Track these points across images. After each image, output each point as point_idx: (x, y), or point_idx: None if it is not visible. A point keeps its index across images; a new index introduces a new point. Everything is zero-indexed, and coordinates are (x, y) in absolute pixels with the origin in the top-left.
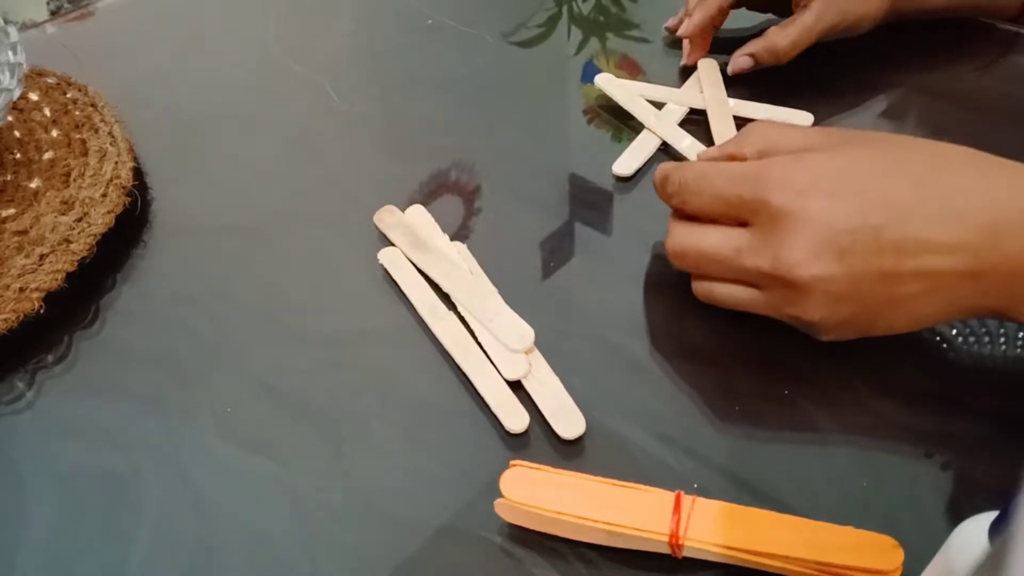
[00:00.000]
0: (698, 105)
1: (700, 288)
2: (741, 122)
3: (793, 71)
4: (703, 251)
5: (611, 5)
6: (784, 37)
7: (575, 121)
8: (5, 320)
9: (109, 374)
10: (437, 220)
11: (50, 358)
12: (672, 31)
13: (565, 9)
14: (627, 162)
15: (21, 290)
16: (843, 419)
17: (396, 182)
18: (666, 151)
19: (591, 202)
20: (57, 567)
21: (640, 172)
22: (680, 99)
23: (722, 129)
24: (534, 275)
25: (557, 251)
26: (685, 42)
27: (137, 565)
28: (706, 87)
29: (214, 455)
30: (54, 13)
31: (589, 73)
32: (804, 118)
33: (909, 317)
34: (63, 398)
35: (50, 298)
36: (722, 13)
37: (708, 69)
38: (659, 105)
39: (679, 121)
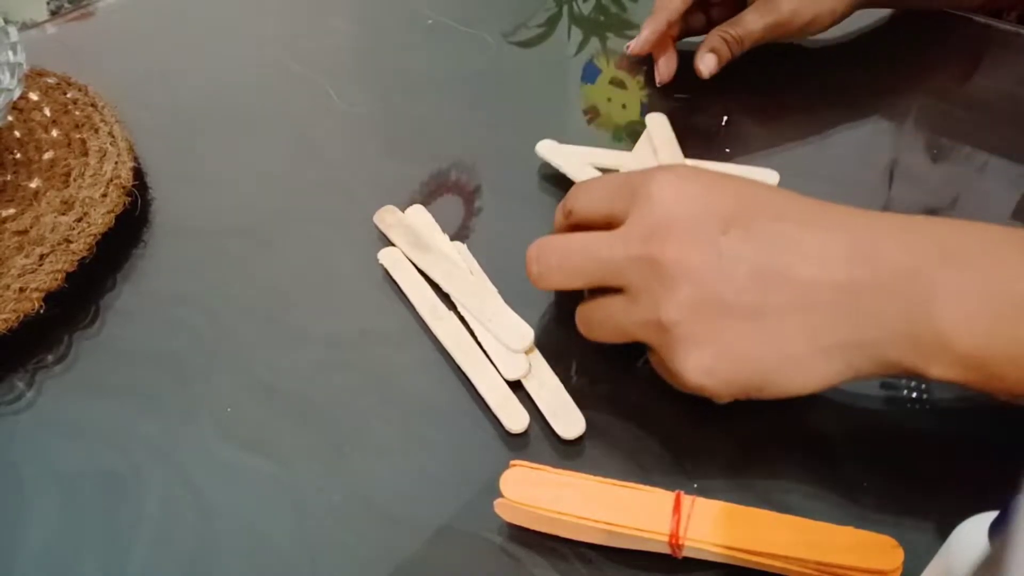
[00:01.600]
0: None
1: (579, 312)
2: None
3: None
4: (568, 245)
5: (611, 5)
6: (742, 24)
7: (575, 121)
8: (5, 320)
9: (109, 374)
10: (437, 220)
11: (50, 358)
12: (637, 54)
13: (565, 9)
14: None
15: (21, 290)
16: (843, 419)
17: (396, 182)
18: None
19: None
20: (57, 567)
21: None
22: (634, 163)
23: None
24: None
25: None
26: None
27: (137, 565)
28: (659, 147)
29: (214, 455)
30: (54, 13)
31: (589, 73)
32: (769, 176)
33: (779, 352)
34: (63, 398)
35: (50, 298)
36: (675, 24)
37: (658, 125)
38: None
39: None
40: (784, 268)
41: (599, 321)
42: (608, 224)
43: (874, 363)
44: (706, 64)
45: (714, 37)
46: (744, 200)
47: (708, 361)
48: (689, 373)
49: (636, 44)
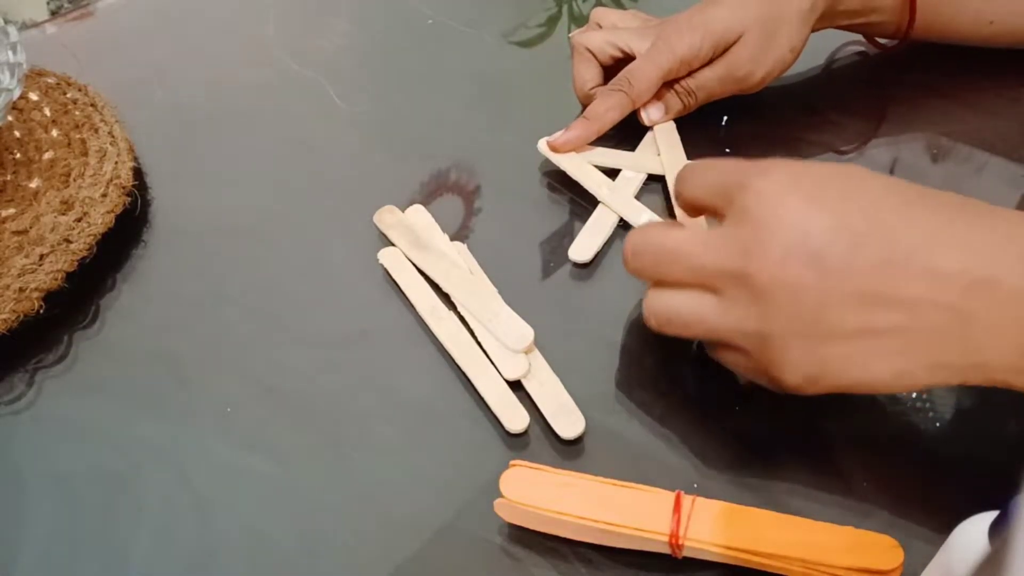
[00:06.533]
0: (655, 171)
1: (653, 298)
2: None
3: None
4: (664, 245)
5: (611, 5)
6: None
7: None
8: (5, 320)
9: (109, 374)
10: (437, 220)
11: (50, 358)
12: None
13: (565, 9)
14: (584, 246)
15: (21, 290)
16: (843, 419)
17: (396, 182)
18: (626, 229)
19: (591, 201)
20: (57, 567)
21: (599, 256)
22: (635, 164)
23: None
24: (534, 275)
25: (557, 251)
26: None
27: (137, 565)
28: (663, 149)
29: (214, 455)
30: (54, 13)
31: None
32: None
33: (888, 368)
34: (63, 398)
35: (50, 298)
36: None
37: (664, 130)
38: (614, 173)
39: (636, 192)
40: (891, 288)
41: (683, 319)
42: (714, 211)
43: (981, 379)
44: (650, 115)
45: (666, 90)
46: (850, 210)
47: (811, 372)
48: (788, 380)
49: (558, 141)
